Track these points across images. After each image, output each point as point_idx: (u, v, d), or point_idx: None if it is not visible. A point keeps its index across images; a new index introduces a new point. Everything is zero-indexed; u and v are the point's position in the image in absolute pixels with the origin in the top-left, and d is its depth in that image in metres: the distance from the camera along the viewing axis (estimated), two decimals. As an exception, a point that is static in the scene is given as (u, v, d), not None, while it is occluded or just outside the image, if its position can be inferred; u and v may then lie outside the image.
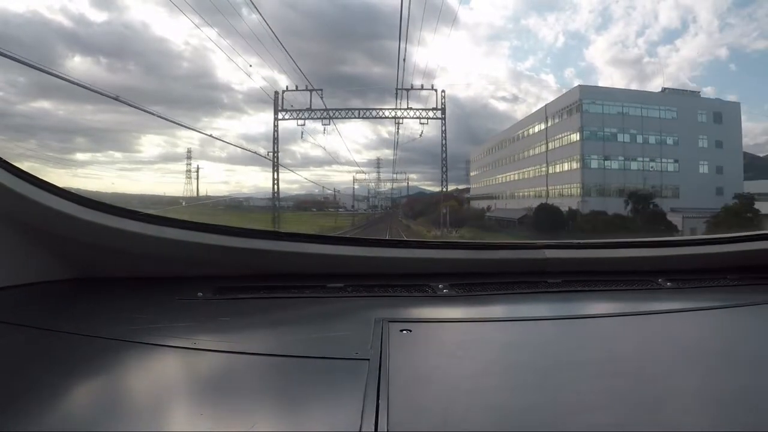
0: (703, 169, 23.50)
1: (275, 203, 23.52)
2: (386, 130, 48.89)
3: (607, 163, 22.38)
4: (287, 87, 22.24)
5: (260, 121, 50.42)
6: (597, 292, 1.28)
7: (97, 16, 45.97)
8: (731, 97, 44.63)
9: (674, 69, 42.17)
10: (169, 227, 1.21)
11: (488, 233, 22.10)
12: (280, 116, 22.22)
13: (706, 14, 43.96)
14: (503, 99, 49.42)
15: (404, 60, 22.31)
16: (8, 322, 0.94)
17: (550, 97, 39.72)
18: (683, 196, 21.64)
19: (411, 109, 21.97)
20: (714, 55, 43.27)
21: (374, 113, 23.70)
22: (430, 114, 22.01)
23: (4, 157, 1.06)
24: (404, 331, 0.92)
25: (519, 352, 0.91)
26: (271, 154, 23.00)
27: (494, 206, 29.87)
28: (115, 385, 0.76)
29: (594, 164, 22.57)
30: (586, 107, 22.25)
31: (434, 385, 0.74)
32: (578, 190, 22.30)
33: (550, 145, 24.08)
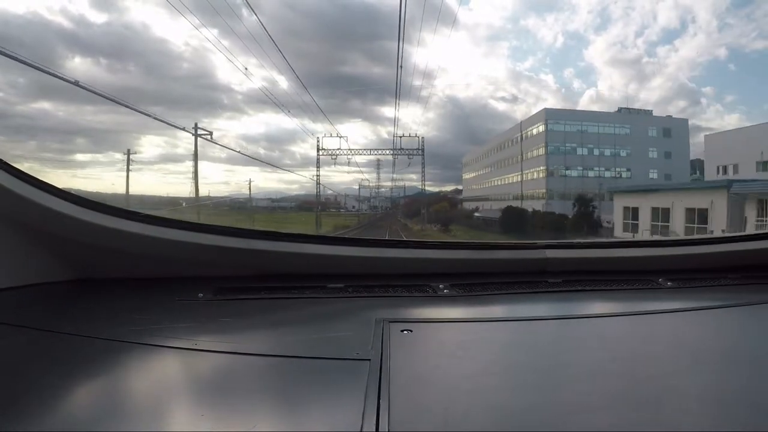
0: (653, 175, 27.92)
1: (317, 208, 32.27)
2: (386, 130, 50.15)
3: (567, 172, 26.88)
4: (324, 134, 30.90)
5: (260, 122, 50.99)
6: (597, 292, 1.28)
7: (97, 17, 46.49)
8: (729, 98, 47.09)
9: (673, 69, 42.36)
10: (169, 228, 1.22)
11: (473, 230, 26.12)
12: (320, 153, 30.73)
13: (705, 14, 43.64)
14: (503, 99, 49.59)
15: (401, 67, 24.64)
16: (9, 324, 0.94)
17: (550, 98, 43.64)
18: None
19: (402, 149, 31.01)
20: (713, 55, 43.17)
21: (378, 152, 34.01)
22: (415, 151, 30.82)
23: (4, 158, 1.06)
24: (405, 332, 0.92)
25: (520, 352, 0.92)
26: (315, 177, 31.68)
27: (481, 207, 34.23)
28: (116, 386, 0.76)
29: (557, 173, 27.04)
30: (550, 126, 26.89)
31: (435, 385, 0.74)
32: (544, 195, 26.68)
33: (524, 156, 28.48)
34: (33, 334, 0.91)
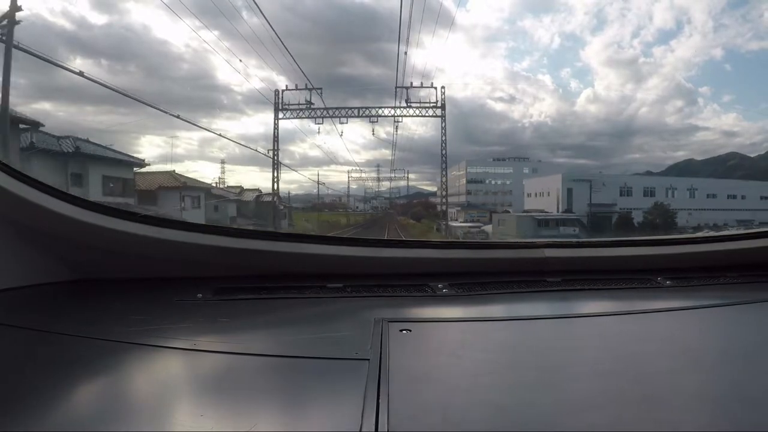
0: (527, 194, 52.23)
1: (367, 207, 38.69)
2: (384, 130, 52.47)
3: (476, 193, 52.33)
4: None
5: (259, 122, 51.22)
6: (596, 291, 1.29)
7: (98, 19, 45.00)
8: (726, 98, 49.62)
9: (670, 69, 43.77)
10: (168, 228, 1.23)
11: (434, 222, 48.79)
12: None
13: (701, 15, 45.50)
14: (500, 99, 51.31)
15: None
16: (8, 324, 0.95)
17: (547, 97, 50.90)
18: (515, 210, 49.55)
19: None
20: (709, 55, 45.29)
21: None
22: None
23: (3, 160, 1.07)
24: (404, 331, 0.93)
25: (519, 351, 0.92)
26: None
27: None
28: (115, 387, 0.76)
29: (471, 194, 52.18)
30: (469, 170, 51.65)
31: (434, 384, 0.74)
32: (465, 206, 51.11)
33: (462, 182, 54.07)
34: (32, 334, 0.92)
